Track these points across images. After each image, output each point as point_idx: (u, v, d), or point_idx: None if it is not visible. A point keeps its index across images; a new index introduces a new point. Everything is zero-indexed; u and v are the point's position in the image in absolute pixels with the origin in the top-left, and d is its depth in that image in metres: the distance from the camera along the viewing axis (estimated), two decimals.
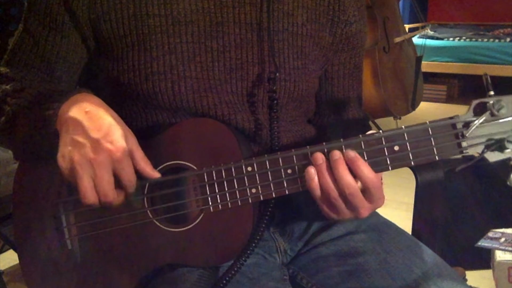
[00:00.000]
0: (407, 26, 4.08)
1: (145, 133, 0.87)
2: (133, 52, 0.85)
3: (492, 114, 0.73)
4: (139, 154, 0.78)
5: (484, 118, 0.73)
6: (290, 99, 0.91)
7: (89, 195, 0.75)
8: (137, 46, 0.85)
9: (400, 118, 3.35)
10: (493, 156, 0.75)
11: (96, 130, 0.75)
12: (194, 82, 0.85)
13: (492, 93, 0.74)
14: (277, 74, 0.86)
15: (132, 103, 0.88)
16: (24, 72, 0.90)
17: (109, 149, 0.74)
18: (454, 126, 0.75)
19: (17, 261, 0.91)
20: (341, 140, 0.76)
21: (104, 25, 0.86)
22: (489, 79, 0.74)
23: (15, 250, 1.90)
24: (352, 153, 0.75)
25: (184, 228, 0.82)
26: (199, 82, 0.85)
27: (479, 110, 0.74)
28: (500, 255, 1.53)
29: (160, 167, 0.82)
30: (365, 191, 0.76)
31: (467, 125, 0.74)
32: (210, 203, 0.81)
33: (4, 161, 1.95)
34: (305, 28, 0.92)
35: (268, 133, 0.87)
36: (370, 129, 1.03)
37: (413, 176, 1.11)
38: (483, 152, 0.75)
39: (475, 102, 0.74)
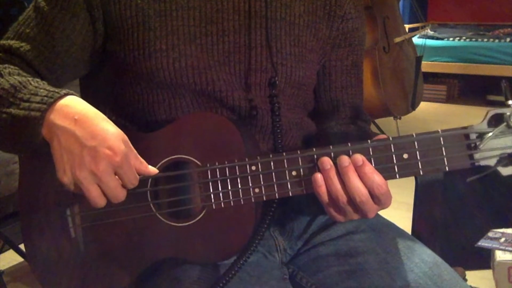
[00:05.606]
0: (407, 26, 4.08)
1: (146, 115, 0.90)
2: (138, 32, 0.88)
3: (509, 126, 0.70)
4: (132, 154, 0.77)
5: (499, 130, 0.70)
6: (287, 85, 0.93)
7: (100, 201, 0.75)
8: (142, 26, 0.88)
9: (400, 118, 3.35)
10: (506, 171, 0.72)
11: (91, 138, 0.74)
12: (194, 60, 0.88)
13: (510, 102, 0.70)
14: (274, 58, 0.90)
15: (136, 82, 0.90)
16: (24, 45, 0.88)
17: (108, 155, 0.73)
18: (467, 136, 0.72)
19: (17, 261, 0.91)
20: (349, 144, 0.75)
21: (114, 6, 0.89)
22: (507, 87, 0.71)
23: (15, 250, 1.90)
24: (359, 159, 0.74)
25: (186, 224, 0.82)
26: (198, 61, 0.88)
27: (494, 121, 0.71)
28: (500, 255, 1.53)
29: (164, 161, 0.82)
30: (373, 196, 0.75)
31: (481, 136, 0.71)
32: (213, 200, 0.81)
33: (4, 161, 1.95)
34: (302, 18, 0.95)
35: (268, 114, 0.90)
36: (370, 129, 1.04)
37: (413, 176, 1.11)
38: (495, 165, 0.71)
39: (491, 112, 0.71)
